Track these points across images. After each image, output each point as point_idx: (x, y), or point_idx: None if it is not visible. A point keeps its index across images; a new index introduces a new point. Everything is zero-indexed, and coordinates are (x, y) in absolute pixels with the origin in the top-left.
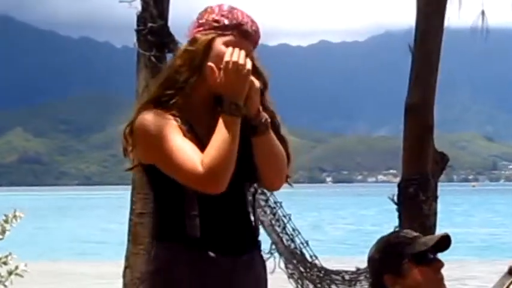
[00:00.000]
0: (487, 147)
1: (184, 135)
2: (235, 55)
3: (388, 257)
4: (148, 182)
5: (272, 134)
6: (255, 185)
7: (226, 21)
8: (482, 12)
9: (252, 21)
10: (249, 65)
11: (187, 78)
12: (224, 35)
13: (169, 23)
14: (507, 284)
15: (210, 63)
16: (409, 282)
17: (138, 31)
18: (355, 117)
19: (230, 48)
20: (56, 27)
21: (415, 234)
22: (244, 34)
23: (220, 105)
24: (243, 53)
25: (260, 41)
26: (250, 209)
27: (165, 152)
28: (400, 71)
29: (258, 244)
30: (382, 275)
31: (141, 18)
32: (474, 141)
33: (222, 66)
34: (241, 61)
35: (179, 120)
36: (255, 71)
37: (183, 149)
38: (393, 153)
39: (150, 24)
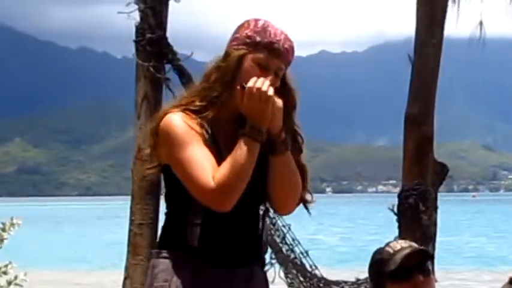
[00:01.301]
0: (486, 157)
1: (207, 145)
2: (259, 82)
3: (372, 274)
4: (164, 182)
5: (290, 157)
6: (267, 204)
7: (258, 38)
8: (480, 23)
9: (286, 39)
10: (271, 92)
11: (220, 93)
12: (255, 52)
13: (168, 34)
14: None
15: (238, 87)
16: None
17: (136, 42)
18: (354, 127)
19: (254, 78)
20: (55, 37)
21: (398, 247)
22: (275, 52)
23: (243, 127)
24: (267, 81)
25: None
26: (259, 227)
27: (183, 159)
28: (399, 80)
29: (261, 260)
30: None
31: (139, 29)
32: (473, 151)
33: (246, 91)
34: (264, 88)
35: (204, 130)
36: (286, 90)
37: (200, 160)
38: (393, 163)
39: (148, 35)
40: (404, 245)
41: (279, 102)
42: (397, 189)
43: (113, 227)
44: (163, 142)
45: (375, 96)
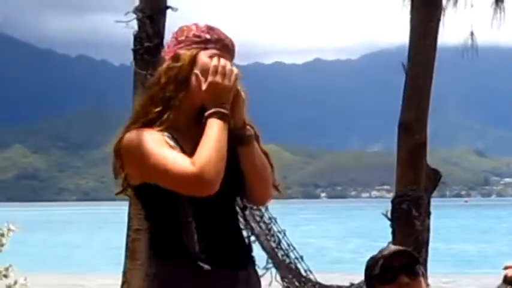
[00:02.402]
0: (478, 163)
1: (171, 148)
2: (222, 60)
3: (365, 279)
4: (140, 203)
5: (256, 145)
6: (245, 201)
7: (207, 36)
8: (472, 33)
9: (229, 37)
10: (236, 70)
11: (176, 94)
12: (207, 49)
13: (166, 42)
14: None
15: (195, 71)
16: None
17: (134, 50)
18: (348, 134)
19: (214, 58)
20: (54, 45)
21: (385, 252)
22: (225, 49)
23: (205, 113)
24: (228, 62)
25: (255, 59)
26: (241, 225)
27: (153, 163)
28: (392, 88)
29: (253, 260)
30: None
31: (137, 38)
32: (466, 157)
33: (210, 70)
34: (228, 65)
35: (165, 135)
36: None
37: (171, 155)
38: (386, 169)
39: (146, 44)
40: (391, 249)
41: (243, 93)
42: (391, 195)
43: (111, 231)
44: (130, 160)
45: (369, 103)
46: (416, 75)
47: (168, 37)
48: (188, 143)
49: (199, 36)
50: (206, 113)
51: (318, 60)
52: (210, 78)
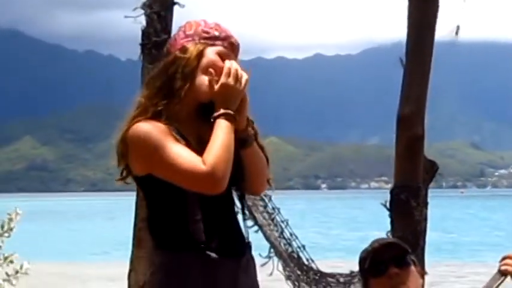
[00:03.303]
0: (474, 155)
1: (178, 142)
2: (234, 64)
3: (359, 271)
4: (143, 193)
5: (256, 145)
6: (241, 191)
7: (216, 33)
8: (458, 27)
9: (234, 36)
10: (246, 76)
11: (182, 85)
12: (214, 45)
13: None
14: (498, 283)
15: (210, 69)
16: None
17: (142, 45)
18: (347, 127)
19: (227, 61)
20: (63, 41)
21: (375, 245)
22: (232, 47)
23: (213, 113)
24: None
25: (258, 54)
26: (239, 213)
27: (164, 158)
28: (391, 82)
29: (249, 246)
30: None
31: (145, 33)
32: (462, 149)
33: (223, 71)
34: (240, 70)
35: (171, 128)
36: None
37: (181, 152)
38: (385, 161)
39: (154, 39)
40: (381, 242)
41: (247, 98)
42: (389, 186)
43: (116, 221)
44: (138, 152)
45: (368, 97)
46: (414, 69)
47: (175, 32)
48: (192, 137)
49: (207, 32)
50: (215, 114)
51: (318, 55)
52: (222, 80)
